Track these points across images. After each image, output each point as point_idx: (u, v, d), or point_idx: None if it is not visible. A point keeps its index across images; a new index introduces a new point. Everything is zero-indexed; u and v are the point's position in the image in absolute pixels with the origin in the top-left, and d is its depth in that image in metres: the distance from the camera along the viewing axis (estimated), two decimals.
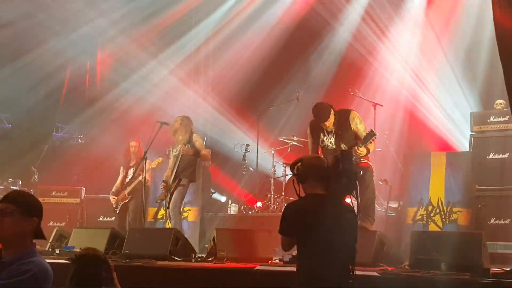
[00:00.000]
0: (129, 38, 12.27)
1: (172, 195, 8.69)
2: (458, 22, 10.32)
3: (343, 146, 7.18)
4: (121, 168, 9.78)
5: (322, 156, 7.31)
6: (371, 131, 7.17)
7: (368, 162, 7.29)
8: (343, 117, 7.25)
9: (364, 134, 7.19)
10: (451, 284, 5.04)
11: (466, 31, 10.18)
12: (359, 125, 7.26)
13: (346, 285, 3.92)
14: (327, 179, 4.06)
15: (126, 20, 12.13)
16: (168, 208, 8.71)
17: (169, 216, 8.72)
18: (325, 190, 4.07)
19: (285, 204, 7.16)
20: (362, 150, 7.06)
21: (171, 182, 8.72)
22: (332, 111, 7.19)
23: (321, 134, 7.33)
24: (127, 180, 9.60)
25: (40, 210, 3.36)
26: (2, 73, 11.34)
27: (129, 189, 9.46)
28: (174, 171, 8.72)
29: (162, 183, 8.85)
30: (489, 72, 9.64)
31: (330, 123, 7.19)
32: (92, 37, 12.37)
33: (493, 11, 5.43)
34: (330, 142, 7.29)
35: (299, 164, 4.18)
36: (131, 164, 9.72)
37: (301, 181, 4.16)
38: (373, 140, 7.12)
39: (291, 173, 4.26)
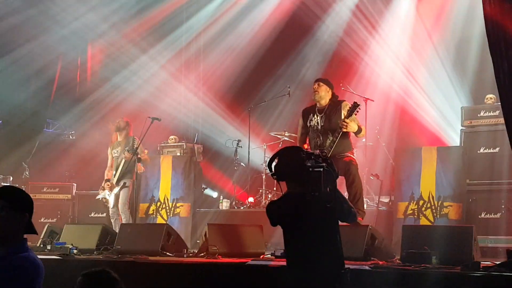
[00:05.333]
0: (120, 33, 12.23)
1: (118, 196, 9.17)
2: (448, 17, 10.36)
3: (329, 140, 7.23)
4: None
5: (308, 139, 7.43)
6: (355, 102, 7.30)
7: (351, 156, 7.35)
8: (337, 103, 7.49)
9: (357, 121, 7.32)
10: (442, 278, 5.07)
11: (456, 26, 10.23)
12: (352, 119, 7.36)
13: (337, 276, 3.93)
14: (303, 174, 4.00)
15: (117, 15, 12.09)
16: (112, 207, 9.20)
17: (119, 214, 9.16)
18: (302, 185, 4.02)
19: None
20: (352, 126, 7.14)
21: (115, 183, 9.21)
22: (332, 90, 7.51)
23: (311, 114, 7.49)
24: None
25: (31, 206, 3.36)
26: None
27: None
28: (118, 174, 9.20)
29: (107, 183, 9.29)
30: (479, 67, 9.69)
31: (323, 90, 7.42)
32: (82, 33, 12.31)
33: (483, 7, 5.46)
34: (317, 121, 7.37)
35: (276, 162, 4.14)
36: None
37: (280, 180, 4.14)
38: (357, 111, 7.23)
39: (269, 171, 4.19)
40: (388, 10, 11.00)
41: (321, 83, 7.53)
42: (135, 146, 9.02)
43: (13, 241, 3.26)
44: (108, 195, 9.25)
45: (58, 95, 12.49)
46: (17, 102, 11.69)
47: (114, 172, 9.30)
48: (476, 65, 9.84)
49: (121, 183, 9.19)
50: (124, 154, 9.20)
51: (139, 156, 9.11)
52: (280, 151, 4.23)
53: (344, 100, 7.64)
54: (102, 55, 12.87)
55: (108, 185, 9.26)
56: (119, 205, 9.19)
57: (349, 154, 7.35)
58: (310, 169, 3.91)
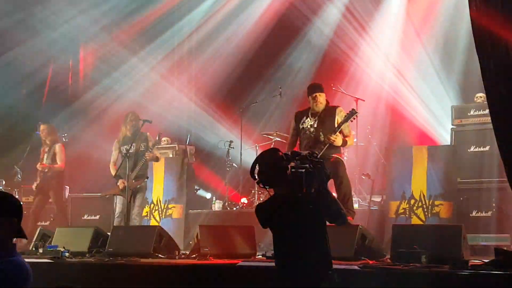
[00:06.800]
0: (111, 35, 12.24)
1: (135, 195, 8.68)
2: (436, 17, 10.40)
3: (321, 137, 7.29)
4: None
5: (299, 140, 7.50)
6: (353, 109, 7.38)
7: (338, 156, 7.39)
8: (331, 109, 7.57)
9: (347, 130, 7.39)
10: (430, 277, 5.10)
11: (444, 26, 10.27)
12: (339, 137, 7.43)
13: (323, 277, 3.96)
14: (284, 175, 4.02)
15: (107, 17, 12.10)
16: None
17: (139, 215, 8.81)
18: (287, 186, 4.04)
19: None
20: (337, 139, 7.21)
21: (133, 181, 8.61)
22: (324, 95, 7.57)
23: (304, 117, 7.59)
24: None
25: (19, 210, 3.35)
26: None
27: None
28: (134, 173, 8.63)
29: (121, 180, 8.65)
30: (468, 65, 9.72)
31: (322, 98, 7.49)
32: (73, 35, 12.32)
33: (470, 8, 5.51)
34: (310, 124, 7.44)
35: (257, 168, 4.14)
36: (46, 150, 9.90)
37: (266, 186, 4.15)
38: (354, 119, 7.29)
39: (252, 179, 4.21)
40: (377, 10, 11.04)
41: (321, 93, 7.60)
42: (151, 143, 8.73)
43: (1, 246, 3.25)
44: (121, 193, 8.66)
45: (50, 98, 12.49)
46: (9, 105, 11.68)
47: (127, 171, 8.51)
48: (465, 64, 9.88)
49: (138, 184, 8.67)
50: (146, 153, 8.61)
51: (156, 155, 8.85)
52: (258, 157, 4.25)
53: (339, 106, 7.69)
54: (94, 57, 12.88)
55: (123, 182, 8.56)
56: (136, 209, 8.67)
57: (337, 156, 7.40)
58: (293, 170, 3.93)
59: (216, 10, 12.16)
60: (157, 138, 8.83)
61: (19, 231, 3.34)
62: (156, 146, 8.85)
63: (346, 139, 7.50)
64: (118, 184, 8.70)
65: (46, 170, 9.75)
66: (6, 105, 11.60)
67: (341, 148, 7.74)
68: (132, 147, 8.69)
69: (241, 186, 10.70)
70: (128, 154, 8.53)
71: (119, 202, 8.77)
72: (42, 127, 10.00)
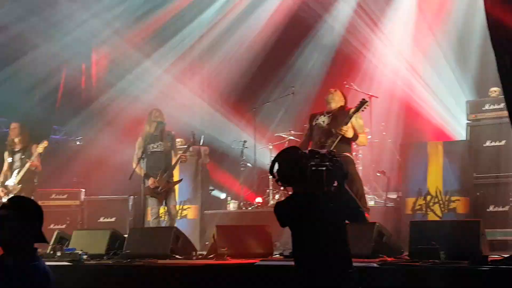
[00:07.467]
0: (123, 38, 12.28)
1: (168, 195, 8.55)
2: (449, 11, 10.34)
3: (330, 140, 7.30)
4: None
5: (312, 136, 7.57)
6: (363, 99, 7.42)
7: (348, 155, 7.38)
8: (346, 109, 7.63)
9: (358, 125, 7.39)
10: (450, 273, 5.06)
11: (458, 20, 10.21)
12: (358, 119, 7.45)
13: (344, 276, 3.95)
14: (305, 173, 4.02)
15: (119, 20, 12.14)
16: (166, 205, 8.65)
17: (170, 214, 8.70)
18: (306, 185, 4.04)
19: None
20: (348, 131, 7.29)
21: (167, 182, 8.49)
22: (345, 102, 7.69)
23: (318, 115, 7.68)
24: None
25: (40, 215, 3.39)
26: None
27: (18, 177, 9.39)
28: (167, 172, 8.49)
29: (151, 179, 8.45)
30: (482, 59, 9.67)
31: (340, 102, 7.60)
32: (86, 39, 12.37)
33: (484, 2, 5.45)
34: (323, 121, 7.54)
35: (276, 167, 4.13)
36: (16, 149, 9.57)
37: (285, 184, 4.15)
38: (365, 108, 7.30)
39: (273, 178, 4.21)
40: (389, 6, 11.01)
41: (338, 90, 7.76)
42: (175, 143, 8.69)
43: (23, 251, 3.29)
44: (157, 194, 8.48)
45: (64, 102, 12.56)
46: (23, 110, 11.73)
47: (159, 172, 8.41)
48: (479, 58, 9.83)
49: (173, 185, 8.59)
50: (182, 156, 8.56)
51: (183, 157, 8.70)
52: (277, 155, 4.22)
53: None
54: (106, 60, 12.93)
55: (155, 182, 8.38)
56: (171, 208, 8.58)
57: (347, 154, 7.38)
58: (313, 168, 3.92)
59: (228, 10, 12.16)
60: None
61: (41, 236, 3.37)
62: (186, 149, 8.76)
63: (359, 134, 7.50)
64: (149, 184, 8.45)
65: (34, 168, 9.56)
66: (21, 111, 11.65)
67: (352, 146, 7.74)
68: (159, 145, 8.57)
69: (255, 185, 10.71)
70: (149, 153, 8.44)
71: (152, 204, 8.58)
72: (13, 125, 9.73)
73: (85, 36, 12.21)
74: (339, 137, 7.31)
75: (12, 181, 9.33)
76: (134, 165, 8.53)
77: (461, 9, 10.14)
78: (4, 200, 9.10)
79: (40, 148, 9.35)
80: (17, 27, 11.35)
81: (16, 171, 9.41)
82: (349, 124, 7.37)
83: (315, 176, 3.91)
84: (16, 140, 9.60)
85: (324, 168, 3.89)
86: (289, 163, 4.08)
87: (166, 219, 8.87)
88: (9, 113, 11.33)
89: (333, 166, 3.93)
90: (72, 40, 11.97)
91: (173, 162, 8.66)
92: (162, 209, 9.38)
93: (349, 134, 7.39)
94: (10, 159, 9.57)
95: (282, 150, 4.33)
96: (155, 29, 12.23)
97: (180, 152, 8.86)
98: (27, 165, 9.32)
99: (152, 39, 12.30)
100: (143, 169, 8.54)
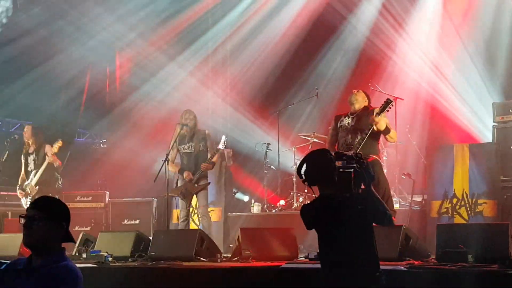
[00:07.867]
0: (147, 41, 12.35)
1: (199, 193, 8.42)
2: (476, 12, 10.22)
3: (358, 138, 7.24)
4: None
5: (338, 138, 7.56)
6: (388, 99, 7.34)
7: (375, 157, 7.30)
8: (369, 109, 7.55)
9: (383, 124, 7.33)
10: (479, 276, 5.00)
11: (485, 21, 10.09)
12: (384, 118, 7.37)
13: (371, 279, 3.91)
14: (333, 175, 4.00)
15: (143, 24, 12.22)
16: (192, 207, 8.65)
17: (199, 216, 8.70)
18: (334, 187, 4.01)
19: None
20: (381, 123, 7.19)
21: (195, 185, 8.38)
22: (369, 103, 7.65)
23: (343, 117, 7.65)
24: None
25: (67, 215, 3.41)
26: (24, 81, 11.46)
27: (35, 179, 9.35)
28: (197, 175, 8.36)
29: (186, 172, 8.33)
30: (510, 61, 9.55)
31: (364, 102, 7.56)
32: (110, 42, 12.46)
33: None
34: (348, 122, 7.51)
35: (304, 167, 4.13)
36: (30, 151, 9.55)
37: (311, 185, 4.13)
38: (390, 108, 7.24)
39: (300, 178, 4.19)
40: (414, 7, 10.92)
41: (361, 91, 7.73)
42: (209, 142, 8.49)
43: (52, 251, 3.31)
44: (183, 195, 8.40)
45: (88, 105, 12.66)
46: (48, 113, 11.85)
47: (190, 173, 8.32)
48: (507, 59, 9.72)
49: (200, 189, 8.40)
50: (202, 165, 8.30)
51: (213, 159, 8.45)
52: (306, 156, 4.23)
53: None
54: (130, 63, 13.01)
55: (189, 174, 8.26)
56: (201, 209, 8.46)
57: (374, 156, 7.30)
58: (341, 170, 3.90)
59: (251, 13, 12.16)
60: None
61: (68, 236, 3.39)
62: (217, 152, 8.46)
63: (390, 129, 7.41)
64: (184, 176, 8.34)
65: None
66: (46, 114, 11.77)
67: (379, 147, 7.67)
68: (191, 147, 8.49)
69: (279, 188, 10.68)
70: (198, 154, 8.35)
71: (182, 206, 8.50)
72: (25, 128, 9.74)
73: (110, 40, 12.30)
74: (371, 129, 7.19)
75: (30, 183, 9.40)
76: (169, 166, 8.39)
77: (489, 10, 10.02)
78: (23, 202, 9.24)
79: (55, 147, 9.39)
80: (43, 30, 11.46)
81: (33, 173, 9.48)
82: (381, 116, 7.23)
83: (342, 178, 3.88)
84: (30, 142, 9.64)
85: (351, 170, 3.87)
86: (317, 165, 4.07)
87: (196, 219, 8.88)
88: (35, 116, 11.44)
89: (360, 168, 3.90)
90: (97, 44, 12.08)
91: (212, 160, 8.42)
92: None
93: (381, 125, 7.21)
94: (26, 161, 9.65)
95: (310, 151, 4.32)
96: (179, 32, 12.27)
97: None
98: (43, 166, 9.35)
99: (176, 42, 12.34)
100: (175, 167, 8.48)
